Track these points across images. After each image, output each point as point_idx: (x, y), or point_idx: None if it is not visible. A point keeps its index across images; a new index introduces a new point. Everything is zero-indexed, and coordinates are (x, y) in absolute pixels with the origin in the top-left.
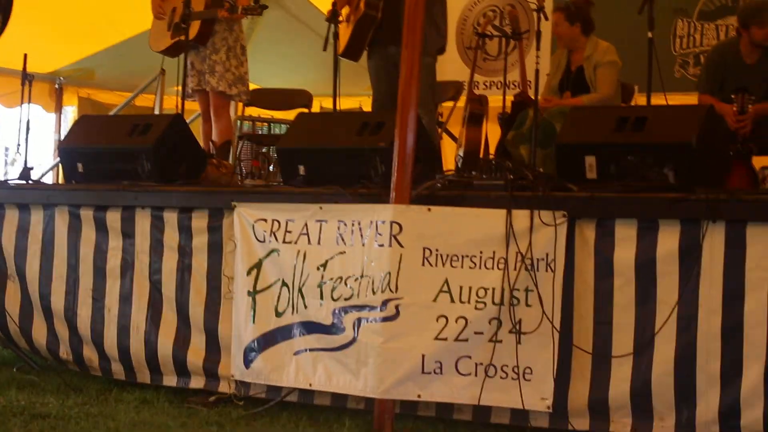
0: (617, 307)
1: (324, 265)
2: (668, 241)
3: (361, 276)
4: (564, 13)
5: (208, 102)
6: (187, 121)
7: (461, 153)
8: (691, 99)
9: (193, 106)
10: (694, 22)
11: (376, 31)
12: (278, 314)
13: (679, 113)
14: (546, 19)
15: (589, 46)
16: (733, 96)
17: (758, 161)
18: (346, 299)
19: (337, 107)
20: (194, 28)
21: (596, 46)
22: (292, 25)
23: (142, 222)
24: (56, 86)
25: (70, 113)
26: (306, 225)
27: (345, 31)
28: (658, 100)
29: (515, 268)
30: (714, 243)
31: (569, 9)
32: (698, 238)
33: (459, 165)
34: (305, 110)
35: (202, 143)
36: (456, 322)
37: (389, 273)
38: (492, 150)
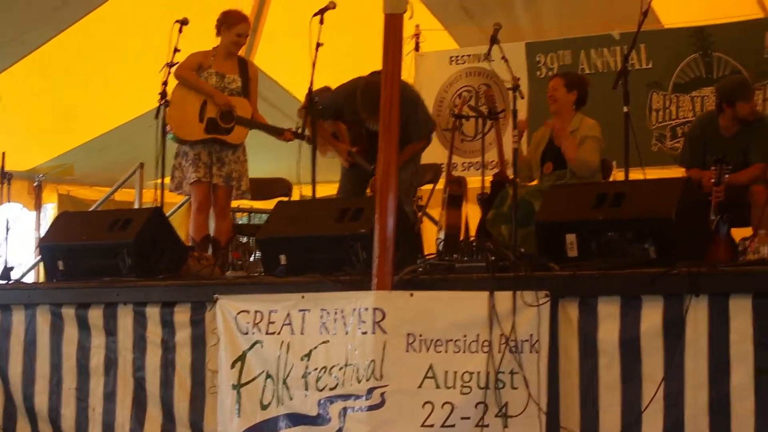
0: (603, 385)
1: (308, 355)
2: (652, 316)
3: (346, 364)
4: (564, 79)
5: (209, 194)
6: (167, 213)
7: (442, 236)
8: (669, 172)
9: (172, 199)
10: (669, 95)
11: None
12: (263, 407)
13: (658, 187)
14: (521, 97)
15: (575, 120)
16: (712, 167)
17: (737, 232)
18: (331, 389)
19: (317, 194)
20: (240, 133)
21: (582, 122)
22: (270, 113)
23: (125, 318)
24: (35, 184)
25: (50, 210)
26: (289, 315)
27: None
28: (636, 174)
29: (500, 351)
30: (698, 317)
31: (570, 76)
32: (681, 313)
33: (440, 248)
34: (285, 199)
35: (192, 235)
36: (442, 407)
37: (373, 360)
38: (472, 231)
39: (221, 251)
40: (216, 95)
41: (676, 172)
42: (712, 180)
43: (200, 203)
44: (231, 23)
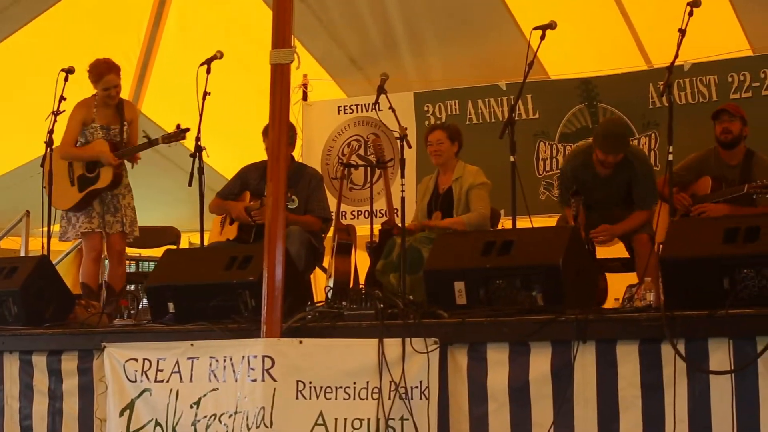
0: None
1: (197, 403)
2: (540, 363)
3: (235, 412)
4: (446, 132)
5: (101, 243)
6: (54, 261)
7: (331, 283)
8: (556, 220)
9: (59, 246)
10: (556, 144)
11: None
12: None
13: (545, 235)
14: (409, 147)
15: (458, 168)
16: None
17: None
18: None
19: (205, 242)
20: (107, 174)
21: (464, 169)
22: (156, 161)
23: (11, 367)
24: None
25: None
26: (177, 363)
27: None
28: (523, 222)
29: (390, 398)
30: (585, 363)
31: (450, 128)
32: (570, 359)
33: (329, 296)
34: (173, 246)
35: (84, 281)
36: None
37: (263, 408)
38: (362, 279)
39: (115, 297)
40: (101, 156)
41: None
42: (573, 214)
43: (94, 252)
44: (97, 77)
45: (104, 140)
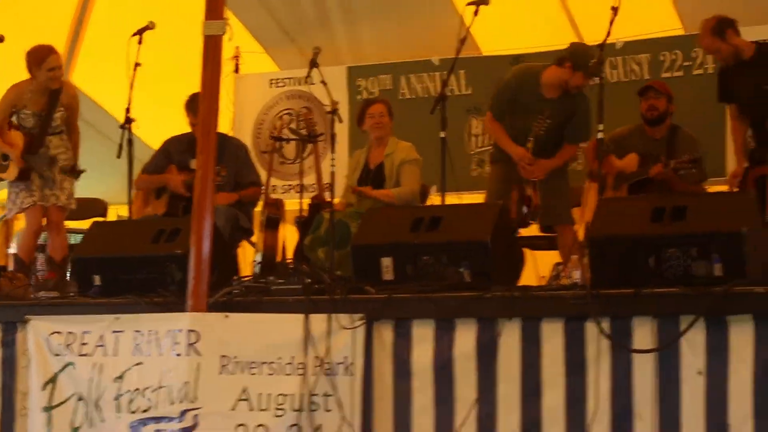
0: (416, 408)
1: (121, 377)
2: (465, 340)
3: (159, 386)
4: (386, 106)
5: (41, 217)
6: None
7: (259, 258)
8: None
9: None
10: None
11: None
12: (74, 430)
13: (474, 212)
14: (340, 121)
15: (390, 143)
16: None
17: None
18: (143, 411)
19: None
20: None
21: (397, 145)
22: (84, 131)
23: None
24: None
25: None
26: (102, 336)
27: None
28: (453, 199)
29: (314, 373)
30: (510, 340)
31: (388, 102)
32: (495, 336)
33: (256, 270)
34: (100, 219)
35: (20, 255)
36: (256, 429)
37: (187, 382)
38: (290, 254)
39: (58, 266)
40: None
41: None
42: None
43: (34, 225)
44: (40, 60)
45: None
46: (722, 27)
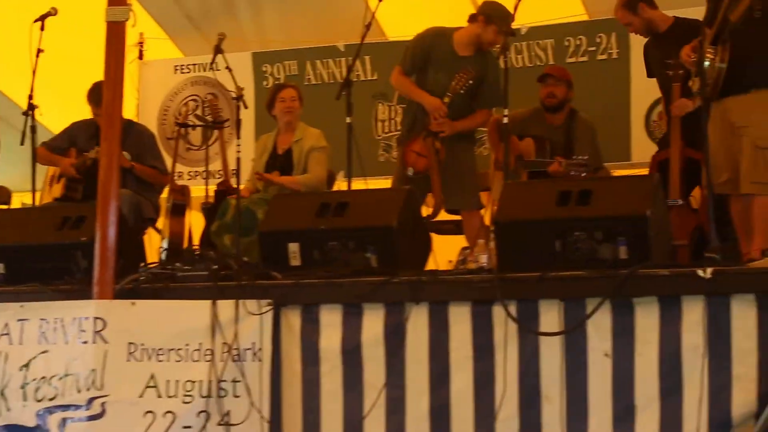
0: (325, 393)
1: (27, 366)
2: (373, 325)
3: (66, 374)
4: (297, 91)
5: None
6: None
7: (165, 245)
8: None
9: None
10: (395, 105)
11: None
12: None
13: (381, 197)
14: (245, 107)
15: (299, 129)
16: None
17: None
18: (50, 399)
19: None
20: None
21: (306, 131)
22: None
23: None
24: None
25: None
26: (7, 325)
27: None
28: (360, 184)
29: (222, 360)
30: (418, 325)
31: (298, 87)
32: (402, 321)
33: (162, 257)
34: (4, 207)
35: None
36: (164, 416)
37: (94, 370)
38: (196, 241)
39: None
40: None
41: None
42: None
43: None
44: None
45: None
46: (635, 1)
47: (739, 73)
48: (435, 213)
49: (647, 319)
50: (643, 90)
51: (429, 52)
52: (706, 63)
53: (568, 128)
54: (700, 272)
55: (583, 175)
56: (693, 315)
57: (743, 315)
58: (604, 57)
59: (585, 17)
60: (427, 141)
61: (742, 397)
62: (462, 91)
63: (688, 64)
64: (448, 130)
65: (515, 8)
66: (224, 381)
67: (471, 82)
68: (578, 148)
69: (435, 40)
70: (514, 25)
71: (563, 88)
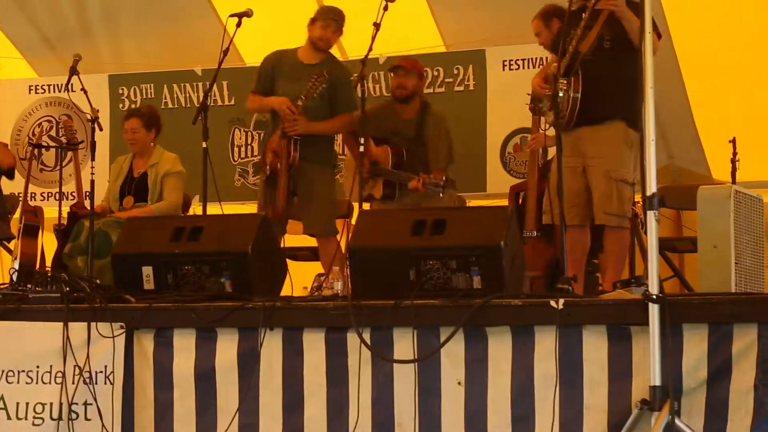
0: (177, 418)
1: None
2: (227, 350)
3: None
4: (142, 120)
5: None
6: None
7: (16, 266)
8: (251, 208)
9: None
10: (251, 131)
11: None
12: None
13: (236, 222)
14: (101, 129)
15: (155, 154)
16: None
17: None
18: None
19: None
20: None
21: (162, 155)
22: None
23: None
24: None
25: None
26: None
27: None
28: (215, 209)
29: (74, 382)
30: (272, 350)
31: (146, 115)
32: (256, 346)
33: (14, 278)
34: None
35: None
36: None
37: None
38: (48, 262)
39: None
40: None
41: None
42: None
43: None
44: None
45: None
46: (550, 14)
47: (592, 104)
48: (280, 217)
49: (500, 348)
50: (499, 122)
51: (275, 67)
52: (560, 94)
53: (420, 122)
54: (553, 303)
55: (440, 195)
56: (545, 345)
57: (594, 346)
58: (461, 88)
59: (443, 49)
60: (282, 142)
61: (593, 427)
62: (316, 95)
63: (541, 95)
64: (301, 128)
65: (373, 38)
66: (75, 404)
67: (324, 85)
68: (430, 143)
69: (280, 56)
70: (372, 55)
71: (414, 80)
